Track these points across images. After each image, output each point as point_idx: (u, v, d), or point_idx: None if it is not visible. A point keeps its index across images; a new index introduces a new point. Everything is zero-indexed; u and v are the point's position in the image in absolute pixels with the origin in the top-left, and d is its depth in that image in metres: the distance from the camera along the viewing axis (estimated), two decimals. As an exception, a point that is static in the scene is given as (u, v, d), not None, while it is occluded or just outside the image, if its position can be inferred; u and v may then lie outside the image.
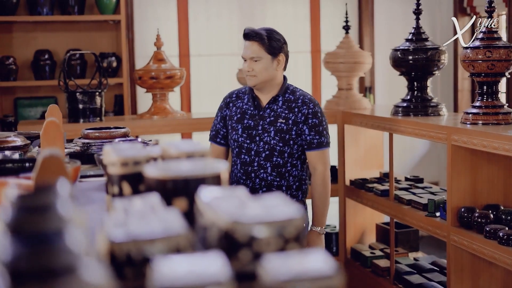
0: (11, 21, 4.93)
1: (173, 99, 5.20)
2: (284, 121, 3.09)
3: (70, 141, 3.00)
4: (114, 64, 5.08)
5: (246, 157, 3.12)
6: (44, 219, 0.63)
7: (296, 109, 3.11)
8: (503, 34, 5.61)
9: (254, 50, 3.11)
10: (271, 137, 3.09)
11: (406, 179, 4.27)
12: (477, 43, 3.17)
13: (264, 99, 3.17)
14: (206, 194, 1.19)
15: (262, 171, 3.10)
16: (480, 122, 3.15)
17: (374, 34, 5.96)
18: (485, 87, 3.19)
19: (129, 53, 5.29)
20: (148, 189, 1.32)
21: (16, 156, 2.17)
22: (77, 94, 3.92)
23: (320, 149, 3.10)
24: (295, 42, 5.74)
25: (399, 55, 3.72)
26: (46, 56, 4.96)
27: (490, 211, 3.08)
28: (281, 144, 3.08)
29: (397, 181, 4.18)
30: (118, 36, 5.17)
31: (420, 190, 3.85)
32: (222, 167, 1.31)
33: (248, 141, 3.12)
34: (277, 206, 1.02)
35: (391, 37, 5.92)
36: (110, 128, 2.96)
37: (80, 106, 3.92)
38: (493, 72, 3.11)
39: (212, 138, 3.27)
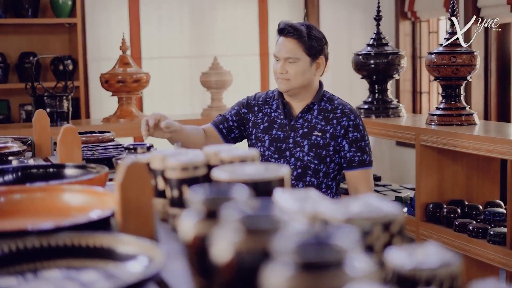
0: (-37, 23, 4.86)
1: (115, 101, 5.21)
2: (320, 134, 2.68)
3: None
4: (70, 67, 5.08)
5: None
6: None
7: (334, 121, 2.69)
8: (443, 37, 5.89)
9: (290, 49, 2.67)
10: (304, 152, 2.68)
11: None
12: (441, 48, 3.38)
13: (297, 106, 2.76)
14: (282, 196, 1.31)
15: None
16: (445, 123, 3.35)
17: (320, 37, 6.13)
18: (449, 90, 3.40)
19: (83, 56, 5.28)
20: (217, 192, 1.42)
21: (31, 162, 2.22)
22: (45, 98, 3.92)
23: (362, 168, 2.68)
24: (244, 45, 5.88)
25: (361, 59, 3.89)
26: (-1, 59, 4.92)
27: (456, 206, 3.29)
28: (316, 162, 2.67)
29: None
30: (72, 39, 5.17)
31: (382, 188, 4.05)
32: (286, 171, 1.43)
33: (276, 156, 2.72)
34: (377, 204, 1.14)
35: (336, 41, 6.13)
36: (95, 132, 3.02)
37: (48, 110, 3.93)
38: (457, 76, 3.32)
39: (216, 123, 2.83)
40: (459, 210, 3.23)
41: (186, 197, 1.50)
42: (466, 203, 3.34)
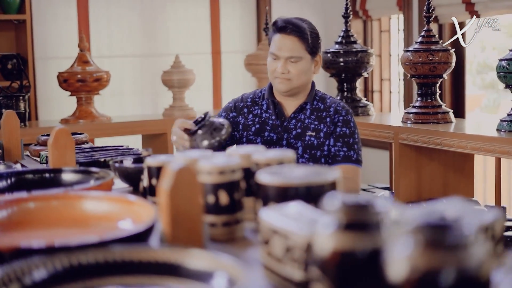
0: None
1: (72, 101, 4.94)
2: (314, 133, 2.55)
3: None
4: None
5: None
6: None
7: (328, 119, 2.56)
8: (395, 37, 5.91)
9: (292, 47, 2.51)
10: (298, 154, 2.54)
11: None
12: (417, 46, 3.34)
13: (290, 106, 2.62)
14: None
15: None
16: (422, 121, 3.32)
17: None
18: (424, 88, 3.37)
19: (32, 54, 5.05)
20: (265, 197, 1.31)
21: (18, 167, 2.05)
22: (1, 98, 3.71)
23: (347, 164, 2.50)
24: (196, 44, 5.75)
25: (330, 57, 3.83)
26: None
27: (435, 205, 3.26)
28: (311, 163, 2.53)
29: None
30: (19, 36, 4.93)
31: (352, 188, 4.00)
32: (337, 174, 1.33)
33: None
34: (472, 208, 1.06)
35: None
36: (66, 134, 2.85)
37: (3, 111, 3.71)
38: (434, 74, 3.30)
39: None
40: (439, 209, 3.20)
41: (223, 203, 1.39)
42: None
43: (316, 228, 0.81)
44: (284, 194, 1.29)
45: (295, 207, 1.17)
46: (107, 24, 5.47)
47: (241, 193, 1.42)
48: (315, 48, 2.57)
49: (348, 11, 3.91)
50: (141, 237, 1.20)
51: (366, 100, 3.97)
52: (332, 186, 1.31)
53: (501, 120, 2.95)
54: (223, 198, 1.39)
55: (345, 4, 3.91)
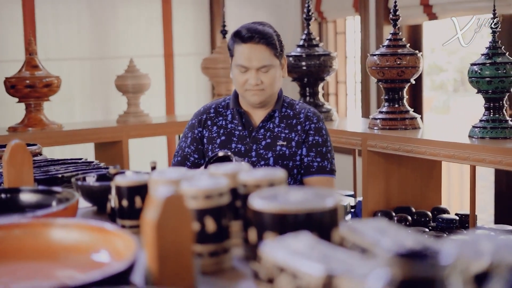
0: None
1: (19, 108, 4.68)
2: (285, 143, 2.42)
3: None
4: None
5: None
6: None
7: (298, 127, 2.44)
8: (350, 38, 5.84)
9: (263, 57, 2.37)
10: (269, 166, 2.39)
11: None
12: (383, 50, 3.24)
13: (257, 116, 2.48)
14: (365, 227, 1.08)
15: None
16: (389, 127, 3.23)
17: (226, 38, 5.92)
18: (391, 93, 3.27)
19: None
20: (259, 225, 1.17)
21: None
22: None
23: (321, 175, 2.41)
24: (148, 46, 5.56)
25: (292, 61, 3.71)
26: None
27: (404, 214, 3.17)
28: None
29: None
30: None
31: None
32: (338, 197, 1.20)
33: None
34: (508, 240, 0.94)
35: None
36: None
37: None
38: (402, 78, 3.20)
39: (177, 166, 2.49)
40: (409, 218, 3.11)
41: (210, 231, 1.24)
42: (414, 210, 3.23)
43: (366, 277, 0.67)
44: (282, 222, 1.15)
45: (302, 239, 1.04)
46: (55, 25, 5.24)
47: (228, 219, 1.28)
48: (281, 52, 2.44)
49: (310, 13, 3.78)
50: (124, 274, 1.05)
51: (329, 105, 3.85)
52: (334, 212, 1.18)
53: (473, 126, 2.87)
54: (210, 225, 1.24)
55: (306, 6, 3.79)
